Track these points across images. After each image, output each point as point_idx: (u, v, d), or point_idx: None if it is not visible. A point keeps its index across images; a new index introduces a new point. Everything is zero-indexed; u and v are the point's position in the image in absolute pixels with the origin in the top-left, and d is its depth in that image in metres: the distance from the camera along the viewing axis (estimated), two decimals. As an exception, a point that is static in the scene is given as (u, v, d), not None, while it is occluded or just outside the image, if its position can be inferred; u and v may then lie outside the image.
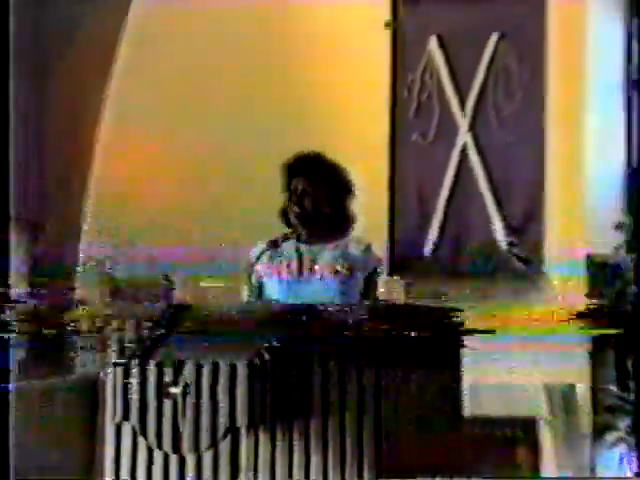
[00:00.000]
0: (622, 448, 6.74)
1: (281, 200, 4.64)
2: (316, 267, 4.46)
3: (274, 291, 4.51)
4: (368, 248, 4.59)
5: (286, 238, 4.52)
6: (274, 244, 4.50)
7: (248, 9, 7.87)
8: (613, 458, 6.79)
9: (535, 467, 6.92)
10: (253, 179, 7.29)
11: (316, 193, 4.49)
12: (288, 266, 4.50)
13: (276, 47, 7.88)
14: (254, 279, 4.56)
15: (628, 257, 7.14)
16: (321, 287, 4.42)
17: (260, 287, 4.55)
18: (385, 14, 7.87)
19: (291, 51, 7.91)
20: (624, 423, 6.77)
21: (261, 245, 4.52)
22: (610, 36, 7.72)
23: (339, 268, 4.43)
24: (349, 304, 4.15)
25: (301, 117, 7.61)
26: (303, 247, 4.52)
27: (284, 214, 4.58)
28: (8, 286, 6.37)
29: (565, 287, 7.31)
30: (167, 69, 8.12)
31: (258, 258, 4.51)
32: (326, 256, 4.48)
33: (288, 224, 4.57)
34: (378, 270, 4.61)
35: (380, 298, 4.65)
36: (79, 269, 8.06)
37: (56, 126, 8.28)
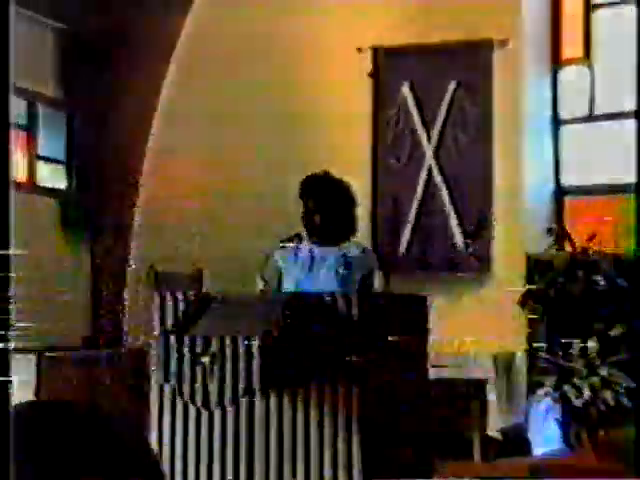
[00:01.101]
0: (548, 400, 6.76)
1: (287, 208, 4.59)
2: (324, 269, 4.38)
3: (290, 284, 4.42)
4: (366, 251, 4.54)
5: (300, 239, 4.44)
6: (285, 245, 4.44)
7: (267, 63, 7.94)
8: (542, 409, 6.82)
9: (483, 417, 6.93)
10: (269, 193, 7.31)
11: (324, 211, 4.40)
12: (302, 265, 4.43)
13: (285, 93, 7.91)
14: (273, 274, 4.47)
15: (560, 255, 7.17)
16: (326, 284, 4.33)
17: (279, 280, 4.46)
18: (368, 66, 7.89)
19: (297, 94, 7.92)
20: (550, 381, 6.78)
21: (281, 249, 4.46)
22: (540, 85, 7.75)
23: (339, 269, 4.36)
24: (346, 294, 4.07)
25: (306, 145, 7.61)
26: (315, 250, 4.43)
27: (303, 221, 4.50)
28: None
29: (509, 278, 7.33)
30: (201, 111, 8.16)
31: (280, 258, 4.45)
32: (331, 257, 4.40)
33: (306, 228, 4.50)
34: (374, 270, 4.52)
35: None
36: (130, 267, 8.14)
37: (112, 157, 8.33)
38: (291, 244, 4.44)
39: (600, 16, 7.71)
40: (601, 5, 7.68)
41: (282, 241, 4.45)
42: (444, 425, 6.03)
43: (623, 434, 5.81)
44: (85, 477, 1.07)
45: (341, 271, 4.36)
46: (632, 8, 7.48)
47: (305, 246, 4.44)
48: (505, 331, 7.04)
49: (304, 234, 4.45)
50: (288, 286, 4.40)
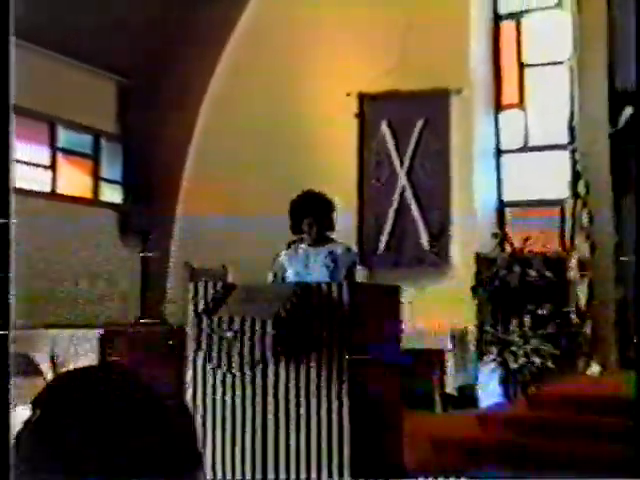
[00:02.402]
0: (493, 365, 6.75)
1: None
2: (317, 265, 4.34)
3: (292, 276, 4.38)
4: (349, 249, 4.48)
5: (301, 242, 4.38)
6: (289, 246, 4.40)
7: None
8: (487, 371, 6.81)
9: (443, 378, 6.92)
10: (278, 206, 7.27)
11: (317, 221, 4.35)
12: (300, 262, 4.38)
13: (291, 129, 7.91)
14: (280, 270, 4.41)
15: (502, 254, 7.17)
16: (318, 274, 4.30)
17: (283, 274, 4.42)
18: (354, 108, 7.89)
19: (300, 130, 7.92)
20: (494, 349, 6.78)
21: (285, 250, 4.42)
22: (486, 123, 7.75)
23: (328, 264, 4.34)
24: (339, 284, 4.05)
25: (307, 168, 7.58)
26: (310, 250, 4.38)
27: (294, 231, 4.44)
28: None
29: (463, 271, 7.34)
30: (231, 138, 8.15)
31: (285, 257, 4.41)
32: (321, 255, 4.35)
33: (295, 234, 4.44)
34: (355, 264, 4.49)
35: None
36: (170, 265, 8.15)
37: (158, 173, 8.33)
38: (292, 246, 4.40)
39: (530, 73, 7.76)
40: (530, 65, 7.73)
41: (287, 244, 4.45)
42: (412, 384, 6.04)
43: (548, 389, 5.82)
44: (131, 426, 1.03)
45: (330, 266, 4.33)
46: (553, 67, 7.55)
47: (302, 248, 4.40)
48: (460, 312, 7.04)
49: (305, 237, 4.39)
50: (291, 278, 4.37)
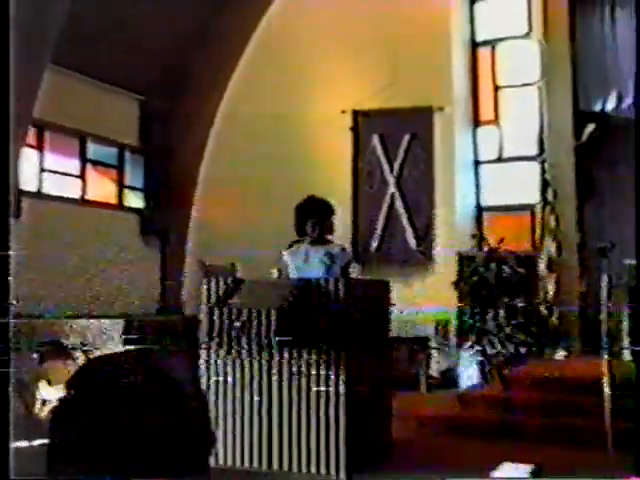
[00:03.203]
0: (472, 351, 6.77)
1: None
2: (315, 261, 4.36)
3: (293, 272, 4.37)
4: (344, 249, 4.49)
5: (302, 242, 4.39)
6: (291, 245, 4.41)
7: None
8: (467, 356, 6.82)
9: (427, 362, 6.92)
10: (282, 212, 7.28)
11: (319, 223, 4.35)
12: (301, 260, 4.37)
13: (293, 141, 7.92)
14: (283, 266, 4.42)
15: (480, 253, 7.18)
16: (317, 272, 4.29)
17: (286, 270, 4.41)
18: (349, 123, 7.91)
19: (301, 143, 7.93)
20: (473, 337, 6.79)
21: (288, 249, 4.43)
22: (465, 137, 7.73)
23: (325, 261, 4.34)
24: (336, 279, 4.06)
25: (308, 177, 7.55)
26: (310, 249, 4.37)
27: (299, 232, 4.45)
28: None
29: (446, 268, 7.35)
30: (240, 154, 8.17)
31: (287, 255, 4.41)
32: (320, 253, 4.35)
33: (300, 235, 4.46)
34: (351, 263, 4.49)
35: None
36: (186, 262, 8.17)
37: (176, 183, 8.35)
38: (294, 246, 4.40)
39: (504, 93, 7.77)
40: (504, 86, 7.72)
41: (289, 244, 4.45)
42: (401, 367, 6.07)
43: (519, 372, 5.84)
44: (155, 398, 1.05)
45: (327, 263, 4.33)
46: (524, 89, 7.54)
47: (303, 247, 4.41)
48: (443, 304, 7.06)
49: (307, 238, 4.40)
50: (293, 274, 4.37)
